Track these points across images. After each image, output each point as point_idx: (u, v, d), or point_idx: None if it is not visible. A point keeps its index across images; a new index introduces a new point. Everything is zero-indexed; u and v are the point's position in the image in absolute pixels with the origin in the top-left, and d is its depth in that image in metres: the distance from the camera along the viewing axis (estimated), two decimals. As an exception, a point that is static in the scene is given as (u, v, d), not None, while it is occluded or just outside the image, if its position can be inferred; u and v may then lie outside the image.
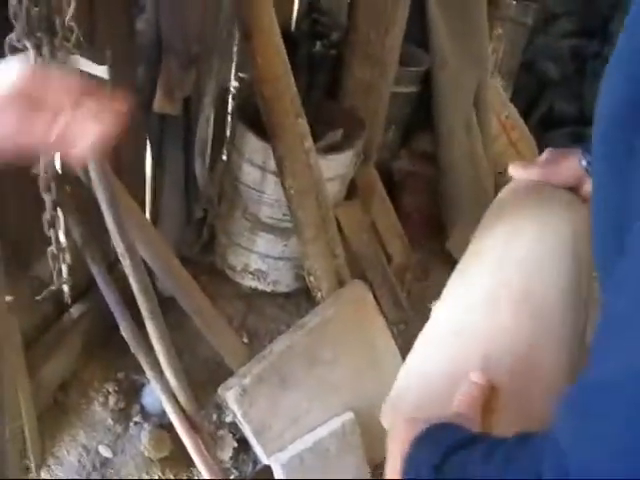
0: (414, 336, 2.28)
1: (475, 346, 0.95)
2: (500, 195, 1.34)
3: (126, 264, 1.51)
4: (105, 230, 1.72)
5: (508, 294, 1.03)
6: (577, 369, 0.95)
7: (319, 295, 2.12)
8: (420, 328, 2.40)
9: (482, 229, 1.30)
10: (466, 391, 0.85)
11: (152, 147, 1.99)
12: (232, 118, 2.24)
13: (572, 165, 1.25)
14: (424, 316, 2.65)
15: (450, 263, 2.80)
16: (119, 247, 1.48)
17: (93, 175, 1.41)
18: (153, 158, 2.01)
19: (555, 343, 0.98)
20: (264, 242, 2.32)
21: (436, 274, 2.89)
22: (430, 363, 0.99)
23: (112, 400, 2.09)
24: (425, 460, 0.74)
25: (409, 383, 0.97)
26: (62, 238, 1.75)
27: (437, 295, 2.75)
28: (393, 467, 0.81)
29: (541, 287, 1.07)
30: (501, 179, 3.29)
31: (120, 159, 1.90)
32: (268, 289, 2.46)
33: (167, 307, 1.81)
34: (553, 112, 3.99)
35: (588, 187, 1.19)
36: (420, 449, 0.78)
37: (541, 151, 2.97)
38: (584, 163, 1.21)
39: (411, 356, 1.03)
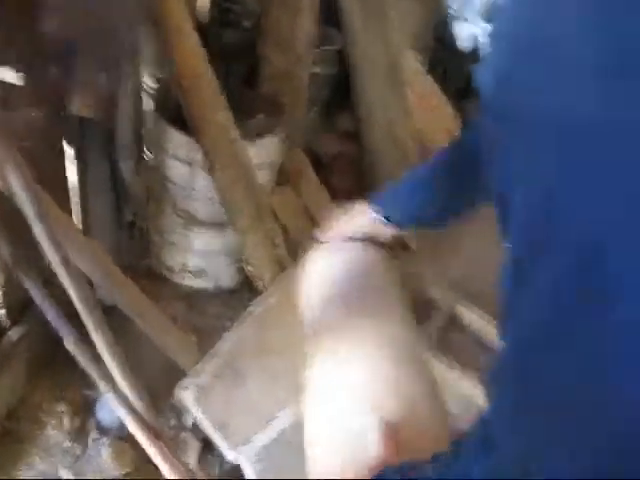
0: None
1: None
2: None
3: (63, 277, 1.45)
4: (35, 244, 1.66)
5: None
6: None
7: (261, 285, 2.10)
8: None
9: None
10: (379, 439, 0.94)
11: (74, 152, 1.92)
12: (153, 116, 2.19)
13: (365, 219, 1.43)
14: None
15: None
16: (53, 260, 1.42)
17: (16, 188, 1.35)
18: (75, 164, 1.95)
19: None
20: (200, 239, 2.28)
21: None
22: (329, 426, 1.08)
23: (66, 420, 2.03)
24: None
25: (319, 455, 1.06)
26: (-9, 259, 1.69)
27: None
28: None
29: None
30: (424, 152, 3.32)
31: (40, 168, 1.84)
32: (209, 286, 2.42)
33: (110, 316, 1.76)
34: (469, 84, 4.04)
35: (384, 231, 1.42)
36: None
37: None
38: (374, 215, 1.40)
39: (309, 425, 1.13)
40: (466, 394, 2.18)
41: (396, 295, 1.40)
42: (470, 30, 3.62)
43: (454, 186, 1.30)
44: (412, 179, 1.41)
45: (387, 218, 1.41)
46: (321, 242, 1.52)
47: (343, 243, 1.47)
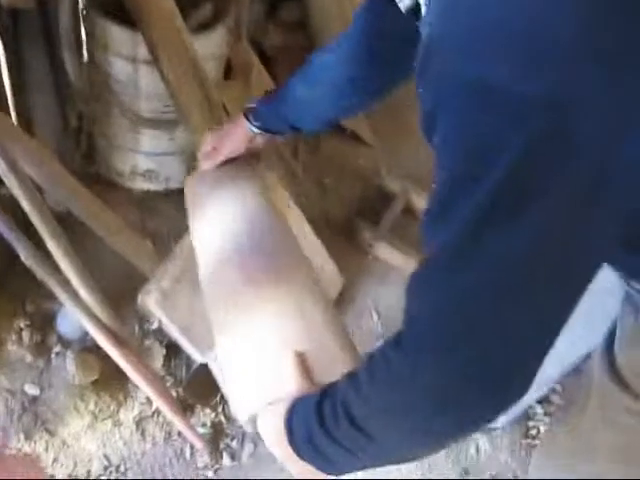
0: (315, 209, 2.29)
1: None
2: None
3: (11, 183, 1.36)
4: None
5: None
6: None
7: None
8: (319, 199, 2.40)
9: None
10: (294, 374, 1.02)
11: (6, 48, 1.78)
12: (89, 11, 2.04)
13: (241, 133, 1.49)
14: (322, 186, 2.64)
15: (337, 128, 2.79)
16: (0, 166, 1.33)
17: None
18: (10, 62, 1.81)
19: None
20: (149, 139, 2.18)
21: (326, 142, 2.85)
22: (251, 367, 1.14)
23: (26, 335, 1.98)
24: (305, 411, 0.90)
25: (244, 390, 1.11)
26: None
27: (330, 163, 2.73)
28: (281, 447, 0.94)
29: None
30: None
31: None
32: (161, 188, 2.34)
33: (64, 223, 1.68)
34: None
35: (260, 141, 1.51)
36: (295, 413, 0.92)
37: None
38: (253, 128, 1.46)
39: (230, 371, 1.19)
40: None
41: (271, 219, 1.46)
42: None
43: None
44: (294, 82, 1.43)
45: (265, 129, 1.47)
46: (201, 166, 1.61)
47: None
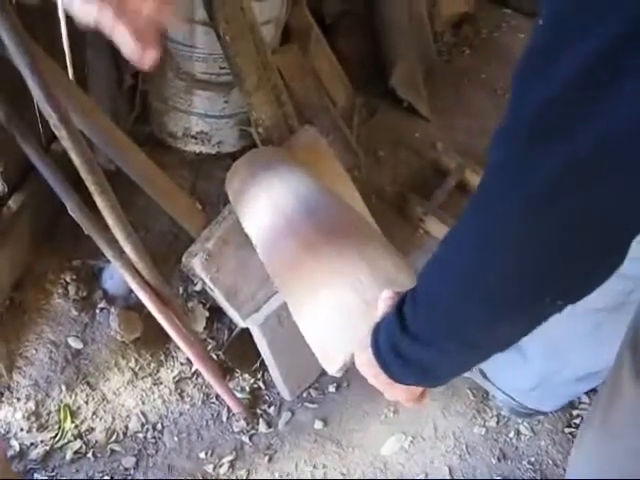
0: (369, 182, 2.31)
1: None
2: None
3: (62, 136, 1.36)
4: (32, 105, 1.57)
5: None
6: None
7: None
8: (372, 170, 2.41)
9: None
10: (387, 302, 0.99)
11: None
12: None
13: None
14: (375, 158, 2.60)
15: (394, 101, 2.75)
16: (51, 117, 1.33)
17: (6, 39, 1.24)
18: (68, 16, 1.81)
19: None
20: (202, 101, 2.17)
21: (382, 114, 2.81)
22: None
23: (72, 290, 2.00)
24: (387, 323, 0.90)
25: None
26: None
27: (384, 134, 2.71)
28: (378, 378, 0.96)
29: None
30: (434, 9, 3.16)
31: (29, 22, 1.72)
32: (213, 151, 2.33)
33: (114, 182, 1.69)
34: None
35: None
36: (379, 332, 0.93)
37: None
38: None
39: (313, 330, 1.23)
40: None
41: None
42: None
43: None
44: None
45: None
46: None
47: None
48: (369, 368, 0.97)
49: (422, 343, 0.83)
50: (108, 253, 1.61)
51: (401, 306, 0.87)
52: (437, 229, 2.40)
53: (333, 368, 1.12)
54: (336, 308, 1.16)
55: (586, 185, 0.61)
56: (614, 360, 1.25)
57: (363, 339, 0.98)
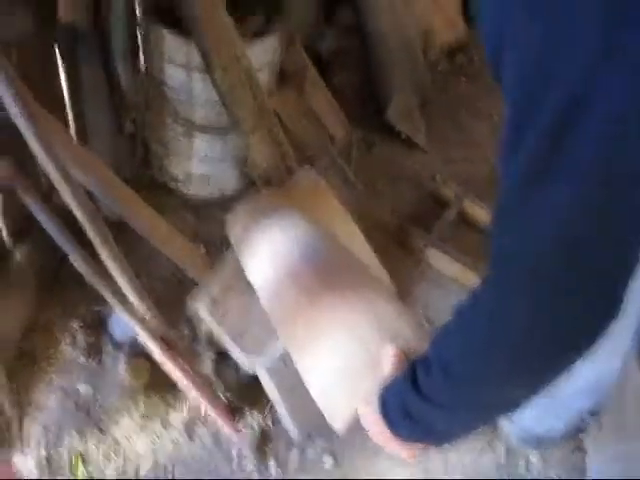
0: (368, 215, 2.32)
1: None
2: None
3: (63, 191, 1.39)
4: (33, 159, 1.59)
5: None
6: None
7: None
8: (372, 204, 2.44)
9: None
10: (392, 359, 1.03)
11: (65, 62, 1.82)
12: (144, 19, 2.08)
13: None
14: (375, 192, 2.63)
15: (391, 133, 2.78)
16: (52, 175, 1.36)
17: (6, 101, 1.27)
18: (68, 75, 1.86)
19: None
20: (202, 145, 2.20)
21: (379, 147, 2.85)
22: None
23: (80, 337, 2.02)
24: (396, 384, 0.94)
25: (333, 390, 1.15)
26: (-14, 177, 1.63)
27: (383, 167, 2.73)
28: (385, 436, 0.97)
29: None
30: (427, 38, 3.20)
31: (32, 78, 1.76)
32: (215, 194, 2.36)
33: (117, 230, 1.71)
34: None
35: None
36: (387, 392, 0.96)
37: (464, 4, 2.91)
38: None
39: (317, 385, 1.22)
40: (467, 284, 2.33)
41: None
42: None
43: None
44: None
45: None
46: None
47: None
48: (374, 425, 0.99)
49: (434, 405, 0.86)
50: (112, 302, 1.63)
51: (413, 369, 0.90)
52: (439, 261, 2.42)
53: (338, 425, 1.13)
54: (340, 361, 1.17)
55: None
56: (620, 370, 1.28)
57: (368, 395, 0.99)
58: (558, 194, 0.65)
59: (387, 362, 1.03)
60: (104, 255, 1.51)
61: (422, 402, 0.87)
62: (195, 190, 2.34)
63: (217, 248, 2.20)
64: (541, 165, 0.66)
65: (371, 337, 1.14)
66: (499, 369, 0.79)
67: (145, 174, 2.35)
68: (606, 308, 0.72)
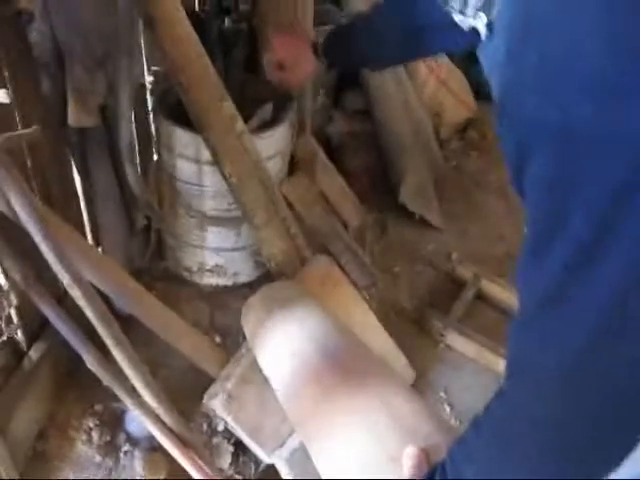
0: (385, 299, 2.30)
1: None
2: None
3: (76, 295, 1.39)
4: (45, 262, 1.60)
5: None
6: None
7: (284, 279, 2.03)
8: (388, 288, 2.40)
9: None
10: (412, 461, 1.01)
11: (76, 163, 1.85)
12: (154, 115, 2.11)
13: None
14: (391, 275, 2.60)
15: (405, 213, 2.78)
16: (64, 279, 1.36)
17: (18, 209, 1.29)
18: (80, 174, 1.88)
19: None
20: (215, 236, 2.21)
21: (394, 228, 2.84)
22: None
23: (95, 435, 1.99)
24: None
25: None
26: (2, 281, 1.64)
27: (399, 250, 2.72)
28: None
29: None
30: (438, 120, 3.23)
31: (46, 183, 1.78)
32: (229, 283, 2.36)
33: (130, 325, 1.70)
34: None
35: None
36: None
37: (471, 85, 3.02)
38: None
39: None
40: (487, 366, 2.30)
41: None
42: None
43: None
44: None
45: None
46: None
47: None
48: None
49: None
50: (127, 401, 1.61)
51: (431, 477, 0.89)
52: (458, 342, 2.38)
53: None
54: (357, 460, 1.15)
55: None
56: None
57: None
58: None
59: (407, 463, 1.00)
60: (118, 357, 1.50)
61: None
62: (209, 280, 2.34)
63: (233, 337, 2.18)
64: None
65: (389, 436, 1.13)
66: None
67: (159, 265, 2.36)
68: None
